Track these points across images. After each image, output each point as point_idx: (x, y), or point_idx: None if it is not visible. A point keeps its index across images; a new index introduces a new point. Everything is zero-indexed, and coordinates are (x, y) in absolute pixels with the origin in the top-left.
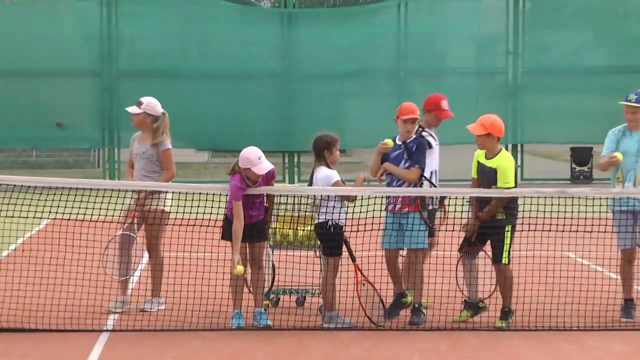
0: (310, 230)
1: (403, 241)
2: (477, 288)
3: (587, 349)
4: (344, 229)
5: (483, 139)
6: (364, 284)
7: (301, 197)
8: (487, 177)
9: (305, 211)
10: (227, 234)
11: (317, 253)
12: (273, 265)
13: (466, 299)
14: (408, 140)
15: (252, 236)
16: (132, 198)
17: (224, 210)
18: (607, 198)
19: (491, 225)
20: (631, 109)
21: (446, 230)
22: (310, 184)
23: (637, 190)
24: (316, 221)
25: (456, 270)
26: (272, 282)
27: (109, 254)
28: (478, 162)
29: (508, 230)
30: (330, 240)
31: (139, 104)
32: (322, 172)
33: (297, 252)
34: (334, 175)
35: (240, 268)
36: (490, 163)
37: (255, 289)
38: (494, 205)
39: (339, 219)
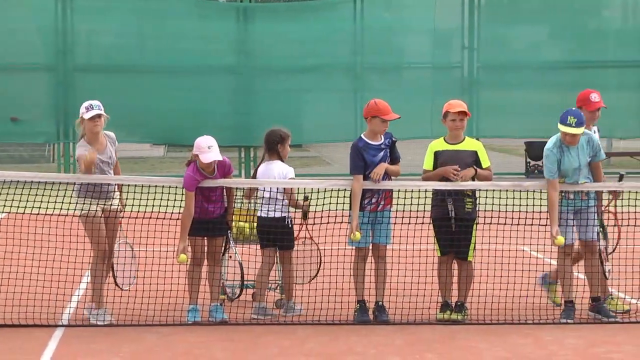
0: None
1: (373, 237)
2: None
3: (542, 343)
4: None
5: (465, 121)
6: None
7: (257, 190)
8: (460, 160)
9: (262, 204)
10: (190, 229)
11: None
12: (240, 264)
13: (447, 300)
14: (394, 139)
15: (210, 231)
16: (100, 204)
17: None
18: (563, 192)
19: (462, 218)
20: (572, 136)
21: (401, 224)
22: (254, 177)
23: (589, 185)
24: (263, 214)
25: (439, 275)
26: (242, 280)
27: (117, 263)
28: (440, 150)
29: (477, 223)
30: (288, 234)
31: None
32: (278, 166)
33: (254, 246)
34: (291, 171)
35: (183, 256)
36: (464, 147)
37: (212, 284)
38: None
39: (288, 212)
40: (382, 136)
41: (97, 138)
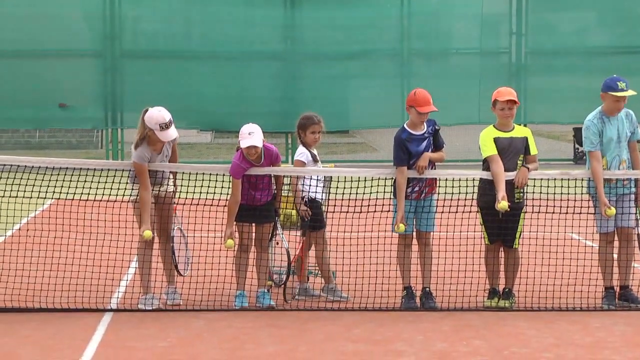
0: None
1: (416, 224)
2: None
3: (590, 330)
4: (321, 203)
5: (514, 109)
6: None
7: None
8: (514, 148)
9: (309, 192)
10: (237, 216)
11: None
12: (287, 250)
13: (495, 287)
14: (437, 127)
15: (257, 218)
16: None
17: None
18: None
19: (513, 207)
20: (622, 98)
21: (449, 212)
22: None
23: (630, 173)
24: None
25: (486, 263)
26: (289, 269)
27: (178, 249)
28: (497, 137)
29: (524, 212)
30: (316, 214)
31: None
32: (298, 150)
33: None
34: (296, 154)
35: (230, 242)
36: (516, 134)
37: (259, 270)
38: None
39: (315, 193)
40: (425, 124)
41: (156, 145)
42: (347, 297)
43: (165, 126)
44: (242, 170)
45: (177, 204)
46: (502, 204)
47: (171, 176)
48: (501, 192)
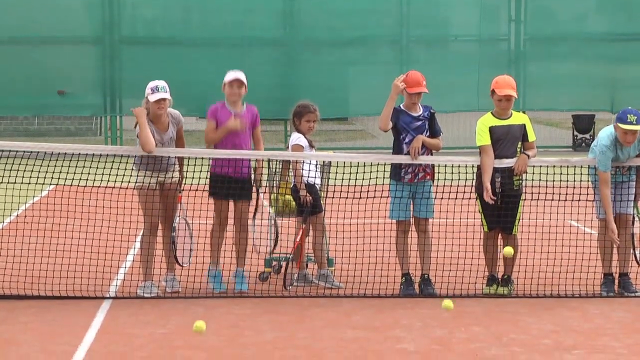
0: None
1: (413, 211)
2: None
3: (589, 316)
4: (317, 187)
5: (512, 101)
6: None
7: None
8: (512, 135)
9: (308, 177)
10: (213, 191)
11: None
12: (277, 230)
13: (494, 274)
14: (432, 111)
15: (236, 194)
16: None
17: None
18: (588, 167)
19: (509, 194)
20: (631, 132)
21: (448, 199)
22: None
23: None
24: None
25: (485, 249)
26: (275, 247)
27: (178, 237)
28: (493, 126)
29: (523, 199)
30: (313, 200)
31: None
32: (293, 136)
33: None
34: (294, 139)
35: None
36: (514, 121)
37: (238, 249)
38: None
39: (313, 178)
40: (421, 107)
41: (160, 119)
42: (340, 284)
43: (156, 89)
44: (216, 110)
45: (182, 190)
46: (507, 250)
47: (177, 163)
48: (487, 182)
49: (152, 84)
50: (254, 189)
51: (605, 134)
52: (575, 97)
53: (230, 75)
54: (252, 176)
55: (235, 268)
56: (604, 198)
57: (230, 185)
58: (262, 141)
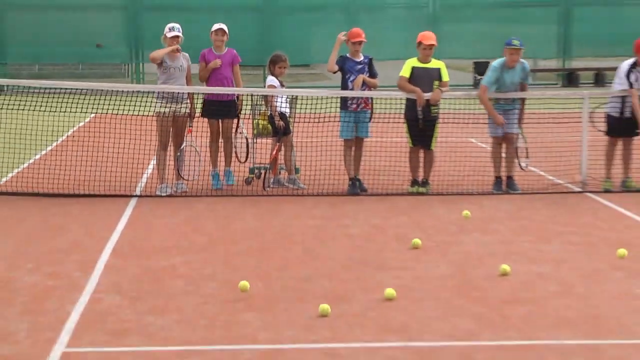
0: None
1: (357, 132)
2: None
3: (484, 209)
4: (288, 115)
5: (433, 50)
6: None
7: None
8: (430, 76)
9: (280, 108)
10: (206, 112)
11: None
12: (247, 139)
13: (416, 179)
14: (371, 57)
15: (223, 114)
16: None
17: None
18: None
19: (428, 119)
20: (516, 51)
21: (382, 123)
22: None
23: (515, 94)
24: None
25: (410, 160)
26: (247, 154)
27: (182, 159)
28: (415, 67)
29: (439, 122)
30: (286, 125)
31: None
32: (269, 78)
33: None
34: (270, 81)
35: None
36: (432, 65)
37: (225, 153)
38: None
39: (284, 108)
40: (362, 55)
41: (174, 52)
42: (304, 186)
43: (172, 29)
44: (204, 54)
45: (192, 124)
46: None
47: (188, 98)
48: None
49: (169, 25)
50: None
51: (495, 61)
52: (476, 49)
53: (215, 25)
54: (236, 101)
55: (225, 168)
56: (483, 101)
57: (218, 108)
58: (239, 75)
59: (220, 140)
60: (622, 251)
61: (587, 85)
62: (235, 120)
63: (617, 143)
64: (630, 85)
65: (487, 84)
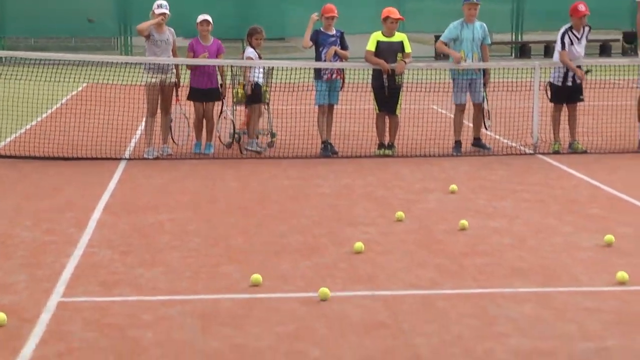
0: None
1: (330, 99)
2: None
3: (444, 169)
4: (261, 85)
5: (397, 24)
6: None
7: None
8: (394, 48)
9: (257, 78)
10: (192, 97)
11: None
12: (232, 122)
13: (383, 142)
14: (342, 31)
15: (207, 98)
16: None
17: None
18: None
19: (393, 87)
20: (473, 6)
21: (352, 92)
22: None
23: (475, 64)
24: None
25: (376, 125)
26: (234, 133)
27: (178, 127)
28: (380, 40)
29: (403, 91)
30: (253, 94)
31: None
32: (246, 51)
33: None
34: (247, 52)
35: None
36: (395, 39)
37: (207, 130)
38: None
39: (258, 79)
40: (334, 29)
41: (161, 26)
42: (262, 149)
43: (160, 6)
44: (192, 45)
45: (179, 94)
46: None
47: (174, 69)
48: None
49: (157, 2)
50: (220, 95)
51: (455, 21)
52: (437, 24)
53: (200, 17)
54: (220, 87)
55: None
56: (441, 49)
57: (202, 93)
58: (224, 70)
59: (204, 121)
60: (610, 237)
61: (538, 56)
62: (220, 104)
63: (562, 109)
64: (563, 45)
65: (444, 39)
